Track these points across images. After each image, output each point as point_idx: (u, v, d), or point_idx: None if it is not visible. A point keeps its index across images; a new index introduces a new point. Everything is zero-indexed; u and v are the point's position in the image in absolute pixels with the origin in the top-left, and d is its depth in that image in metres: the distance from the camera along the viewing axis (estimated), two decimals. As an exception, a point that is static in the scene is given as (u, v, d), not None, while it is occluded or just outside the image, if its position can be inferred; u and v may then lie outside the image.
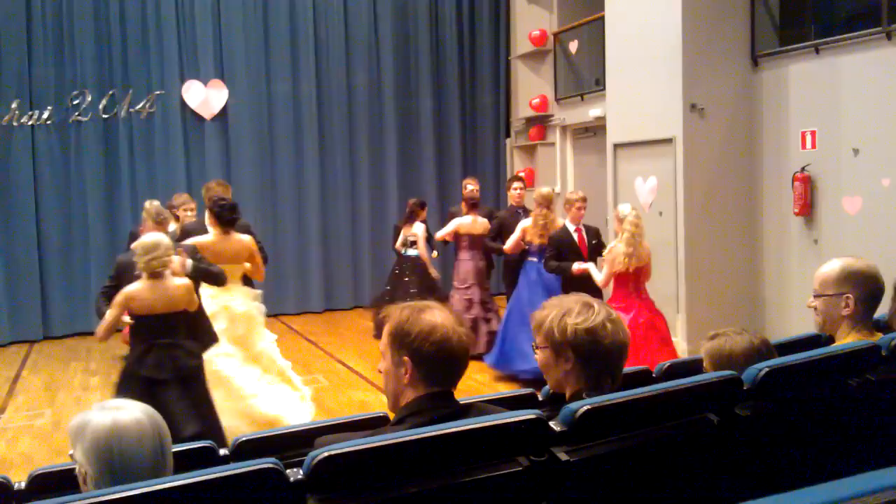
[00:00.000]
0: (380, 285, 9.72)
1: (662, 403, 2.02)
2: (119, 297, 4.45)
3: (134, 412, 1.80)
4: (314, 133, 10.92)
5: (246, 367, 5.57)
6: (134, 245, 4.60)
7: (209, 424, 4.60)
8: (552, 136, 10.86)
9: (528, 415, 1.82)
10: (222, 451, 2.39)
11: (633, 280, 6.01)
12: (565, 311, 2.05)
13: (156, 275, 4.42)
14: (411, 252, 8.44)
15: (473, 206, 8.07)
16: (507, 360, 7.05)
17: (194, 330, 4.83)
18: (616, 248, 5.96)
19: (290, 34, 10.77)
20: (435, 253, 8.85)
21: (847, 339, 2.66)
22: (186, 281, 4.59)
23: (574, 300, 2.09)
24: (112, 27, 9.95)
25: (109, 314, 4.48)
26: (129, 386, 4.41)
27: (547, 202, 7.02)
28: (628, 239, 5.88)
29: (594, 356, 2.02)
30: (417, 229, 8.42)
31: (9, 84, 9.55)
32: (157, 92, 10.19)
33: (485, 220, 8.04)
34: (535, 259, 7.10)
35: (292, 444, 2.33)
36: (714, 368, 2.55)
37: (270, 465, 1.61)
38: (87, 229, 9.85)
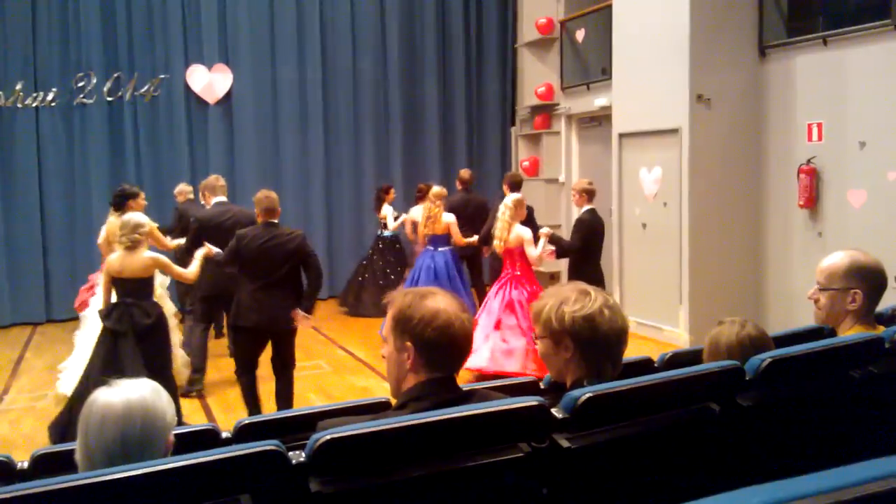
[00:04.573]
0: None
1: (664, 392, 2.03)
2: (104, 265, 5.30)
3: (112, 396, 1.74)
4: (319, 119, 10.88)
5: None
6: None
7: (159, 378, 4.98)
8: (557, 125, 10.82)
9: (530, 401, 1.82)
10: (224, 434, 2.40)
11: (507, 258, 6.74)
12: (562, 300, 2.05)
13: (129, 248, 5.07)
14: (386, 233, 9.69)
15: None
16: None
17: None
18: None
19: (296, 19, 10.72)
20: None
21: (850, 333, 2.66)
22: (153, 254, 5.19)
23: (571, 288, 2.09)
24: (117, 9, 9.91)
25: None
26: (101, 334, 5.17)
27: (439, 198, 7.61)
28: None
29: (593, 343, 2.02)
30: (386, 210, 9.57)
31: (13, 65, 9.53)
32: (162, 76, 10.17)
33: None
34: (430, 248, 7.71)
35: (295, 427, 2.34)
36: (707, 356, 2.57)
37: (273, 448, 1.62)
38: (91, 212, 9.81)
